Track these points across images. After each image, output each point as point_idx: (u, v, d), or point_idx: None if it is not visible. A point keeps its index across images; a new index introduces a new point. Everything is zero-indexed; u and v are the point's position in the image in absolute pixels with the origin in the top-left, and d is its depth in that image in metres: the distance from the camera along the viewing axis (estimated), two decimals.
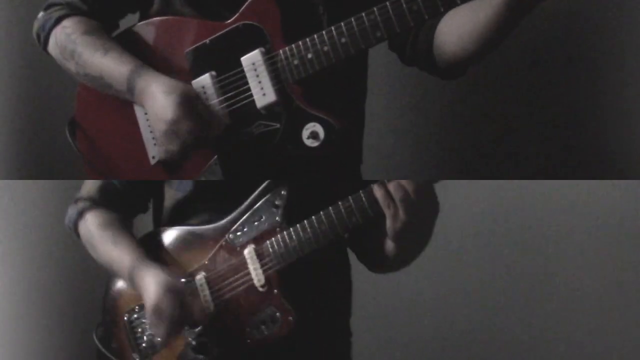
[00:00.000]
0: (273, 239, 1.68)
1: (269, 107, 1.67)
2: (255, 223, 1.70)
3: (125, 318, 1.81)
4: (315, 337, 1.75)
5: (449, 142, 2.51)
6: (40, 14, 1.82)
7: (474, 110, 2.45)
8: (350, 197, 1.63)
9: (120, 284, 1.84)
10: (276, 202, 1.69)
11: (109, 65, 1.72)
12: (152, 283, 1.69)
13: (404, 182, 1.58)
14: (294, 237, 1.66)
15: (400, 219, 1.58)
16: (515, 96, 2.41)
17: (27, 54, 2.49)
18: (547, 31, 2.29)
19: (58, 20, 1.78)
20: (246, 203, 1.72)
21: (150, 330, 1.75)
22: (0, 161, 2.62)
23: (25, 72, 2.61)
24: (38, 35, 1.82)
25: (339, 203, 1.64)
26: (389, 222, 1.59)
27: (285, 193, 1.69)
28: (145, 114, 1.74)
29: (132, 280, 1.74)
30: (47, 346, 2.59)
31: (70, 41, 1.76)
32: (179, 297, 1.68)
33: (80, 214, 1.85)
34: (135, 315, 1.80)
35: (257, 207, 1.71)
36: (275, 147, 1.68)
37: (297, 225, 1.66)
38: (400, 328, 2.51)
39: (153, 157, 1.77)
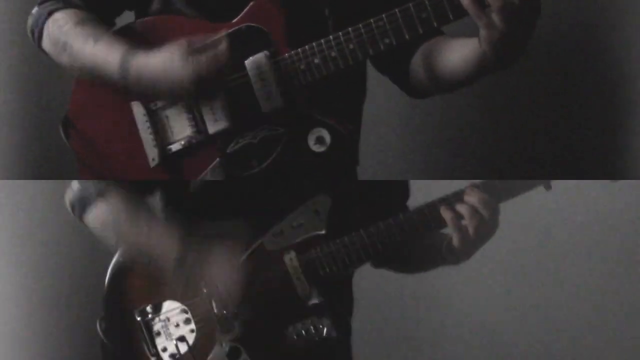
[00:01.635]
0: (318, 248, 1.66)
1: (274, 112, 1.66)
2: (296, 229, 1.67)
3: (139, 318, 1.73)
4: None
5: (449, 142, 2.50)
6: (35, 9, 1.79)
7: (473, 110, 2.45)
8: (403, 215, 1.65)
9: (124, 279, 1.77)
10: (318, 209, 1.67)
11: (100, 54, 1.68)
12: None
13: (478, 204, 1.61)
14: (341, 249, 1.65)
15: (469, 242, 1.63)
16: (515, 96, 2.41)
17: (27, 53, 2.48)
18: (548, 31, 2.29)
19: (50, 14, 1.75)
20: (282, 206, 1.68)
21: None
22: (0, 161, 2.61)
23: (25, 72, 2.60)
24: (32, 32, 1.79)
25: (391, 220, 1.65)
26: (457, 242, 1.63)
27: (328, 200, 1.67)
28: (144, 114, 1.73)
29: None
30: (48, 344, 2.59)
31: (62, 33, 1.73)
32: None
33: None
34: (151, 315, 1.73)
35: (297, 212, 1.68)
36: (281, 152, 1.67)
37: (345, 237, 1.66)
38: (401, 326, 2.52)
39: (153, 160, 1.74)
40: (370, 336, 2.03)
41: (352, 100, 1.84)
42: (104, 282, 1.82)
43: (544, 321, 2.40)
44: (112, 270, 1.79)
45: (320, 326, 1.65)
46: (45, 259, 2.56)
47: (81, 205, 1.78)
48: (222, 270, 1.64)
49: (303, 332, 1.65)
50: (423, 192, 1.80)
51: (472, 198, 1.63)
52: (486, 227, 1.63)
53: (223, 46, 1.62)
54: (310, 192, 1.68)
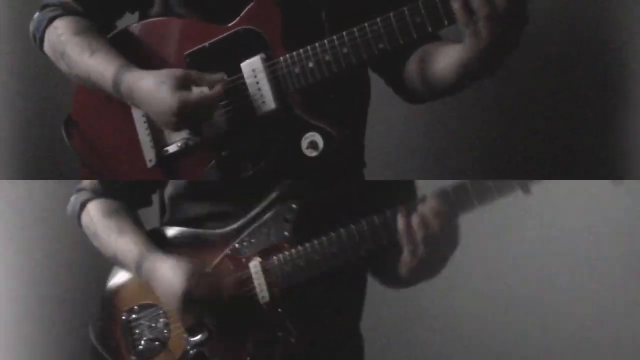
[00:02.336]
0: (281, 255, 1.64)
1: (268, 115, 1.66)
2: (263, 235, 1.66)
3: (124, 317, 1.77)
4: (323, 346, 1.72)
5: (451, 143, 2.50)
6: (36, 15, 1.81)
7: (474, 110, 2.45)
8: (365, 221, 1.59)
9: (120, 281, 1.80)
10: (286, 216, 1.65)
11: (95, 66, 1.70)
12: (173, 274, 1.63)
13: (428, 215, 1.52)
14: (302, 256, 1.62)
15: (419, 256, 1.54)
16: (515, 96, 2.40)
17: (27, 54, 2.48)
18: (548, 32, 2.28)
19: (50, 21, 1.77)
20: (254, 212, 1.68)
21: (180, 320, 1.68)
22: (1, 161, 2.62)
23: (25, 72, 2.61)
24: (34, 36, 1.81)
25: (352, 226, 1.60)
26: (406, 257, 1.55)
27: (296, 207, 1.65)
28: (143, 115, 1.74)
29: (139, 272, 1.70)
30: (46, 344, 2.59)
31: (60, 42, 1.75)
32: (210, 280, 1.64)
33: (83, 205, 1.81)
34: (134, 316, 1.76)
35: (266, 219, 1.67)
36: (274, 155, 1.67)
37: (307, 244, 1.62)
38: (413, 332, 2.52)
39: (150, 161, 1.76)
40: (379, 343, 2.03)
41: (354, 104, 1.84)
42: (103, 283, 1.85)
43: (545, 323, 2.39)
44: (112, 273, 1.83)
45: (279, 336, 1.63)
46: (45, 259, 2.56)
47: (74, 220, 1.84)
48: (191, 276, 1.64)
49: (263, 342, 1.64)
50: (428, 192, 1.80)
51: (424, 207, 1.54)
52: (436, 241, 1.53)
53: (217, 89, 1.63)
54: (306, 196, 1.68)
